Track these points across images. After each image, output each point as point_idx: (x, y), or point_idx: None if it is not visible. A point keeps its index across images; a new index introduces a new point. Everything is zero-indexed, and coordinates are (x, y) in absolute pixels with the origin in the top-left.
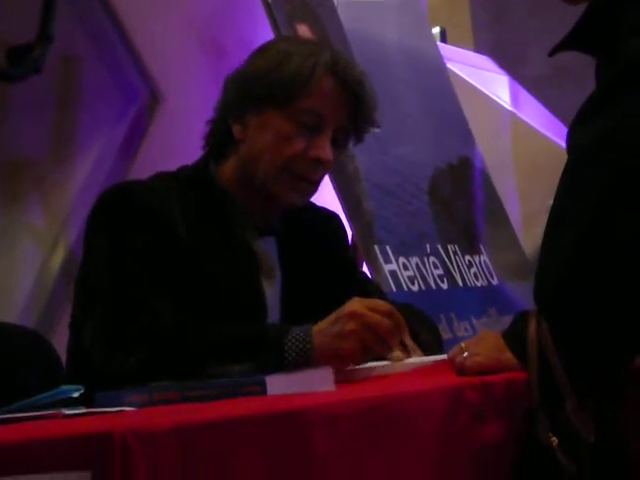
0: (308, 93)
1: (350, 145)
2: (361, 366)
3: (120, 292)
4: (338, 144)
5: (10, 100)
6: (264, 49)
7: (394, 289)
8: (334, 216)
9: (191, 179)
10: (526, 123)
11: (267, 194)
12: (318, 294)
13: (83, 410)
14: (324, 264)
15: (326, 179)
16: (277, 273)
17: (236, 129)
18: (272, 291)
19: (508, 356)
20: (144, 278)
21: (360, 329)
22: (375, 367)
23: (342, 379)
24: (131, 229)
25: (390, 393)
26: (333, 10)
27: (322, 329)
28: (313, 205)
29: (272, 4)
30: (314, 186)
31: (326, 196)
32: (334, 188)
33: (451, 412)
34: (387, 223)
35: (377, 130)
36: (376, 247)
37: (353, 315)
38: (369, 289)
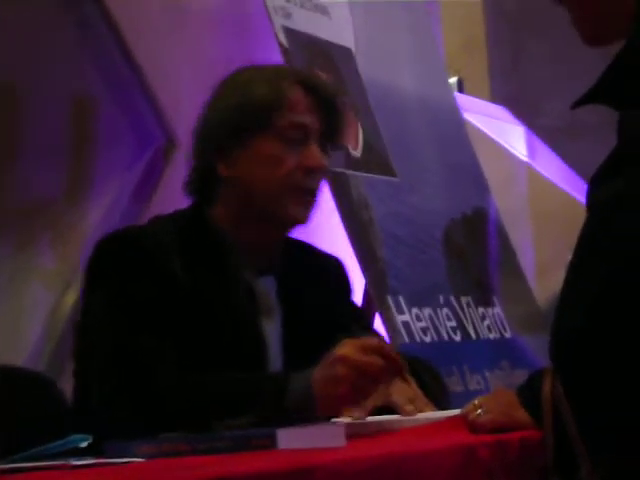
0: (284, 108)
1: (366, 194)
2: (373, 419)
3: (118, 348)
4: (325, 150)
5: (24, 141)
6: (227, 84)
7: (407, 340)
8: (337, 260)
9: (188, 222)
10: (541, 174)
11: (269, 218)
12: (319, 333)
13: (92, 461)
14: (325, 305)
15: (340, 229)
16: (276, 312)
17: (221, 168)
18: (272, 330)
19: (522, 414)
20: (142, 331)
21: (351, 373)
22: (387, 421)
23: (354, 433)
24: (128, 279)
25: (401, 451)
26: (351, 58)
27: (317, 376)
28: (316, 248)
29: (290, 51)
30: (314, 197)
31: (340, 245)
32: (348, 236)
33: (463, 470)
34: (400, 273)
35: (393, 179)
36: (389, 297)
37: (343, 359)
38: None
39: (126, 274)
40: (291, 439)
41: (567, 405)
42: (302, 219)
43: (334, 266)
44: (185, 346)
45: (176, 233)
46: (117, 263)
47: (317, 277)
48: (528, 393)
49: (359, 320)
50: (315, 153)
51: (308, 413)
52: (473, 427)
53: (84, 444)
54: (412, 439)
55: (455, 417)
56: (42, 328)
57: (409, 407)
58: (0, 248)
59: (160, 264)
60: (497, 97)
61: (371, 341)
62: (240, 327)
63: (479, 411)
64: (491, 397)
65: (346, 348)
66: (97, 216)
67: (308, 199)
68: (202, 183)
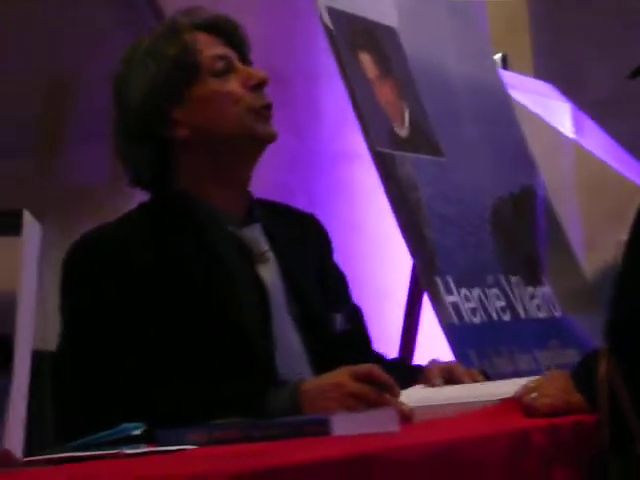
0: (199, 53)
1: (413, 174)
2: (428, 404)
3: (89, 357)
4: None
5: (68, 129)
6: (131, 59)
7: (456, 321)
8: (315, 217)
9: (156, 204)
10: (588, 151)
11: (239, 148)
12: (314, 280)
13: (144, 449)
14: (314, 256)
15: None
16: (270, 254)
17: (171, 133)
18: (269, 274)
19: (577, 398)
20: (115, 337)
21: (344, 399)
22: (442, 406)
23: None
24: (100, 282)
25: (455, 437)
26: (395, 37)
27: (308, 394)
28: (290, 205)
29: (334, 32)
30: (271, 110)
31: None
32: (395, 217)
33: (518, 456)
34: (449, 253)
35: (441, 159)
36: (438, 278)
37: (338, 385)
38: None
39: (97, 277)
40: (345, 425)
41: (623, 387)
42: (271, 135)
43: (314, 223)
44: (183, 327)
45: (147, 219)
46: (86, 267)
47: (300, 230)
48: (583, 376)
49: (341, 281)
50: (250, 70)
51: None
52: (528, 411)
53: (137, 432)
54: (465, 425)
55: (508, 401)
56: None
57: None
58: (46, 233)
59: (129, 260)
60: (541, 74)
61: (364, 367)
62: (235, 274)
63: (534, 394)
64: (546, 380)
65: (342, 376)
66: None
67: (266, 116)
68: (152, 163)
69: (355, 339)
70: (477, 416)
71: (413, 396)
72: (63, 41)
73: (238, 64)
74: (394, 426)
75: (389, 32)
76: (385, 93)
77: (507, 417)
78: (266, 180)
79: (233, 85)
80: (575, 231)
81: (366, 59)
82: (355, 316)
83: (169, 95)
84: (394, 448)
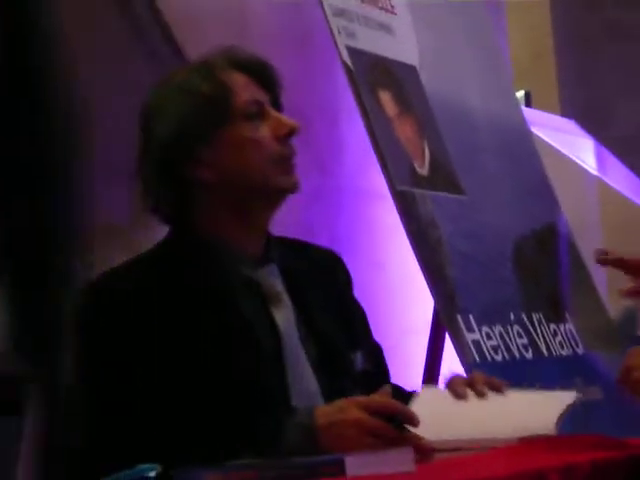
0: (233, 94)
1: (433, 212)
2: (448, 439)
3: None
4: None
5: (97, 162)
6: (162, 95)
7: (478, 360)
8: (335, 253)
9: (173, 246)
10: (613, 188)
11: (260, 196)
12: (330, 321)
13: None
14: (331, 295)
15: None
16: (285, 297)
17: (199, 173)
18: (284, 317)
19: None
20: (132, 382)
21: (364, 437)
22: (461, 440)
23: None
24: (112, 330)
25: (471, 478)
26: (415, 76)
27: (325, 430)
28: (310, 243)
29: (354, 70)
30: (294, 162)
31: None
32: (416, 256)
33: None
34: (470, 291)
35: (461, 197)
36: (459, 316)
37: (358, 423)
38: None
39: (109, 324)
40: (360, 465)
41: None
42: (292, 187)
43: (333, 259)
44: (197, 371)
45: (162, 260)
46: (99, 314)
47: (318, 267)
48: None
49: (362, 318)
50: (281, 119)
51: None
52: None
53: (152, 473)
54: (481, 464)
55: (529, 439)
56: None
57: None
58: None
59: (141, 306)
60: (567, 108)
61: (380, 401)
62: (250, 322)
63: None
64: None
65: (359, 412)
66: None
67: (290, 166)
68: (172, 199)
69: (374, 378)
70: (494, 455)
71: (433, 408)
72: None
73: (270, 110)
74: (410, 466)
75: (409, 70)
76: (405, 131)
77: (525, 456)
78: (288, 217)
79: (263, 132)
80: (600, 271)
81: (386, 97)
82: (375, 353)
83: (198, 134)
84: None
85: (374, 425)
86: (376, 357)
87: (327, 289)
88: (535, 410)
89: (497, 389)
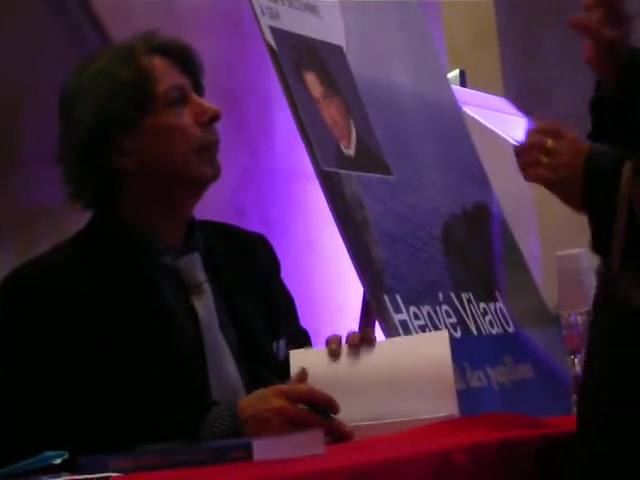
0: (154, 80)
1: (360, 193)
2: (357, 424)
3: (21, 387)
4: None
5: (25, 150)
6: (81, 80)
7: None
8: (263, 238)
9: (93, 234)
10: None
11: (183, 185)
12: (252, 308)
13: (66, 477)
14: (256, 281)
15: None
16: (206, 286)
17: (120, 162)
18: (204, 305)
19: (575, 188)
20: (50, 367)
21: (286, 426)
22: (373, 426)
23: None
24: (33, 315)
25: (378, 459)
26: (342, 57)
27: (249, 419)
28: (240, 228)
29: (278, 52)
30: (217, 148)
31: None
32: (342, 238)
33: (441, 477)
34: (398, 272)
35: (389, 177)
36: (386, 297)
37: (279, 411)
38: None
39: (30, 310)
40: (268, 449)
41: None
42: (214, 175)
43: (260, 244)
44: (116, 357)
45: (83, 248)
46: (19, 300)
47: (244, 253)
48: (599, 183)
49: (288, 304)
50: (203, 104)
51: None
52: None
53: (58, 461)
54: (390, 446)
55: (440, 422)
56: None
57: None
58: (1, 254)
59: (62, 291)
60: (510, 87)
61: (301, 389)
62: (170, 310)
63: (545, 159)
64: (567, 151)
65: (280, 400)
66: None
67: (213, 154)
68: (95, 186)
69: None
70: (403, 437)
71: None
72: (10, 58)
73: (193, 95)
74: (319, 449)
75: (336, 51)
76: (331, 112)
77: (433, 437)
78: (220, 199)
79: (186, 119)
80: (533, 246)
81: (311, 78)
82: (300, 340)
83: (118, 121)
84: (313, 472)
85: (296, 413)
86: (301, 344)
87: (251, 276)
88: (423, 350)
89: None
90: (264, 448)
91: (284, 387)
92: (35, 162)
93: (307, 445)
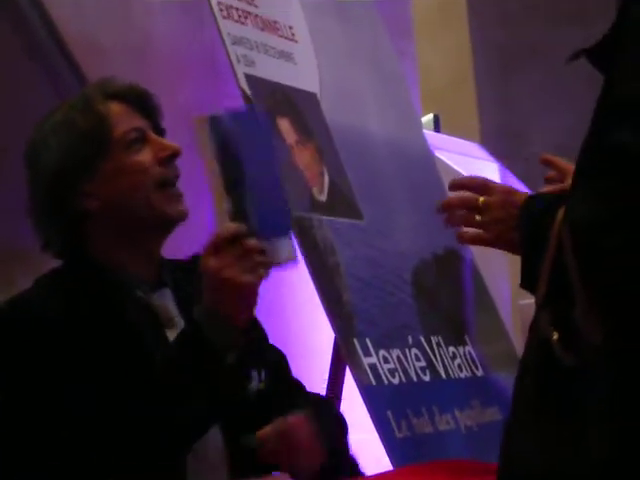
0: (112, 126)
1: (332, 238)
2: None
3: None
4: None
5: (3, 193)
6: (43, 131)
7: (374, 382)
8: None
9: (70, 274)
10: None
11: (147, 225)
12: None
13: None
14: None
15: (306, 275)
16: (178, 320)
17: (85, 205)
18: None
19: (512, 237)
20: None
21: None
22: None
23: None
24: (28, 357)
25: None
26: (316, 103)
27: None
28: None
29: (252, 98)
30: (177, 186)
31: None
32: (313, 282)
33: None
34: (368, 316)
35: (360, 222)
36: (356, 340)
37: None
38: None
39: (26, 355)
40: None
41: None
42: (181, 214)
43: None
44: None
45: (62, 289)
46: (17, 344)
47: None
48: (534, 216)
49: (259, 336)
50: (163, 142)
51: None
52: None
53: None
54: None
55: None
56: None
57: None
58: None
59: (47, 329)
60: (487, 128)
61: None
62: (146, 343)
63: (478, 217)
64: (499, 205)
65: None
66: None
67: (176, 192)
68: (62, 232)
69: (270, 397)
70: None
71: None
72: None
73: (151, 135)
74: None
75: (310, 98)
76: (304, 158)
77: None
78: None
79: (144, 156)
80: (504, 292)
81: (285, 125)
82: (272, 370)
83: (80, 168)
84: None
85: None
86: (275, 373)
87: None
88: None
89: None
90: None
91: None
92: (13, 205)
93: None
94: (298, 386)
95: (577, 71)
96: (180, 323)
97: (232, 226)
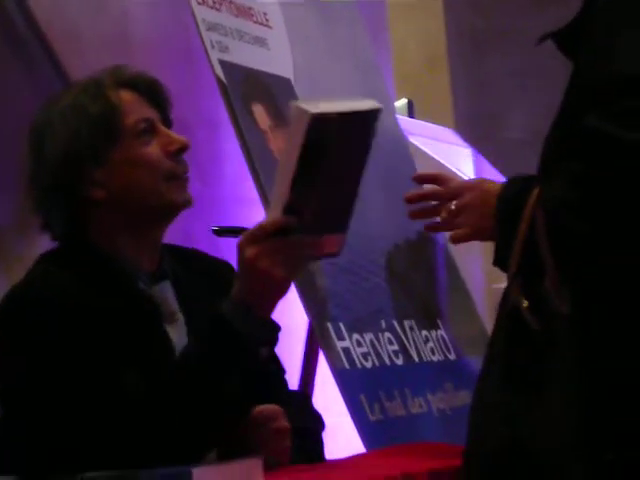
0: (121, 113)
1: None
2: None
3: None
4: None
5: None
6: (52, 114)
7: (347, 366)
8: (228, 264)
9: (74, 259)
10: None
11: (153, 214)
12: None
13: None
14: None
15: None
16: (179, 316)
17: (91, 192)
18: (177, 334)
19: (491, 225)
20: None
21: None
22: None
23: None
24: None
25: None
26: (290, 89)
27: None
28: (205, 254)
29: (227, 84)
30: (187, 177)
31: None
32: None
33: None
34: (341, 300)
35: None
36: (329, 324)
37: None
38: None
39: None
40: (207, 477)
41: (543, 225)
42: (185, 202)
43: (225, 270)
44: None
45: (71, 275)
46: (31, 322)
47: (211, 280)
48: (508, 204)
49: None
50: (171, 135)
51: None
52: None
53: None
54: (318, 474)
55: (373, 451)
56: None
57: None
58: None
59: (72, 312)
60: (460, 113)
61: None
62: (146, 336)
63: (456, 220)
64: (470, 202)
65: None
66: (47, 244)
67: (183, 182)
68: (65, 217)
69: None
70: (334, 465)
71: None
72: None
73: (160, 127)
74: (258, 477)
75: (284, 83)
76: (279, 143)
77: (363, 467)
78: (170, 225)
79: (153, 150)
80: (477, 277)
81: (259, 110)
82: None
83: (89, 155)
84: None
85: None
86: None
87: (218, 302)
88: None
89: None
90: (204, 475)
91: None
92: None
93: (246, 473)
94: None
95: (552, 55)
96: (181, 318)
97: (277, 218)
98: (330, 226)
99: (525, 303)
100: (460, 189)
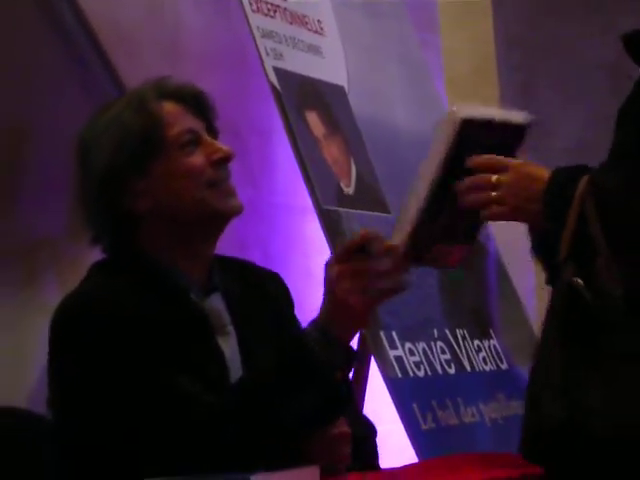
0: (163, 125)
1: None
2: None
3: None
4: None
5: (26, 181)
6: (95, 129)
7: (400, 375)
8: (277, 275)
9: (129, 270)
10: None
11: (201, 223)
12: (271, 348)
13: None
14: (273, 319)
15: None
16: (230, 328)
17: (136, 206)
18: (229, 347)
19: (536, 208)
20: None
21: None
22: None
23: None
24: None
25: None
26: (343, 96)
27: None
28: (254, 264)
29: (281, 91)
30: (230, 184)
31: None
32: None
33: None
34: (394, 309)
35: (387, 215)
36: (382, 333)
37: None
38: None
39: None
40: None
41: (595, 213)
42: (235, 208)
43: (275, 280)
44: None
45: (125, 285)
46: (94, 330)
47: (260, 292)
48: (557, 193)
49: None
50: (215, 144)
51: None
52: (484, 213)
53: None
54: None
55: (425, 463)
56: (44, 366)
57: None
58: (4, 285)
59: (131, 321)
60: None
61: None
62: (199, 348)
63: (494, 194)
64: (514, 180)
65: None
66: (99, 251)
67: (226, 189)
68: (111, 229)
69: None
70: (393, 476)
71: None
72: (15, 91)
73: (205, 137)
74: None
75: (337, 91)
76: (332, 151)
77: (420, 477)
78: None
79: (197, 159)
80: (529, 279)
81: (313, 118)
82: None
83: (132, 167)
84: None
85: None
86: None
87: (268, 314)
88: None
89: None
90: None
91: None
92: (37, 193)
93: None
94: None
95: (597, 65)
96: (232, 331)
97: (364, 233)
98: (459, 237)
99: (581, 283)
100: (504, 165)
